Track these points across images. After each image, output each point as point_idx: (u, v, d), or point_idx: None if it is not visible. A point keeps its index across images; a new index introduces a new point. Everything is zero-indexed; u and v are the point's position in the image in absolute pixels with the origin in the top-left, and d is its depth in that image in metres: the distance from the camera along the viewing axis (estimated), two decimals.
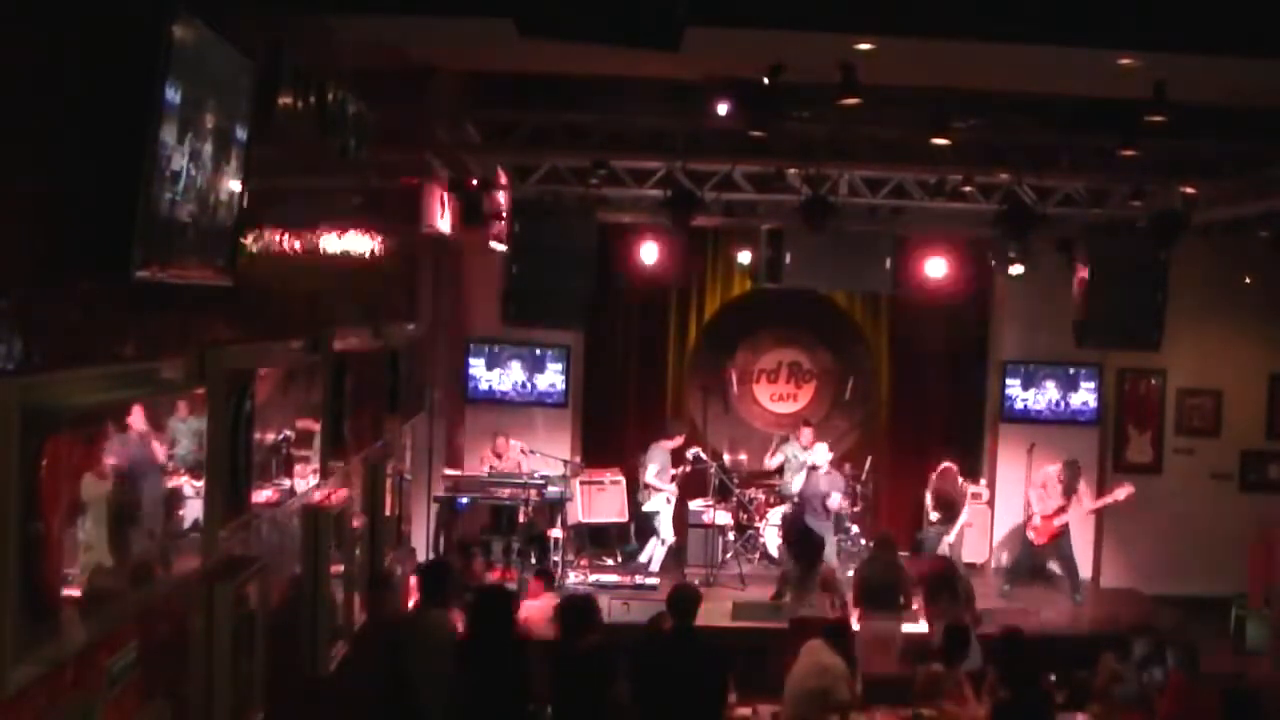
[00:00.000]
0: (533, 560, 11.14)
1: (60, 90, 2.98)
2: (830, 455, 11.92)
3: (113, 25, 3.17)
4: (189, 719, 3.82)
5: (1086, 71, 6.86)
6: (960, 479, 12.43)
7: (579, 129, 10.00)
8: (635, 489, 12.49)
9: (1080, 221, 11.01)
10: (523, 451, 12.13)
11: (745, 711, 7.76)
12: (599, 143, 9.97)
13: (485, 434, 12.41)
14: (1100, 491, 12.41)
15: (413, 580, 7.19)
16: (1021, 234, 10.52)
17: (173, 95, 3.24)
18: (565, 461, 12.32)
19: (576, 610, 6.83)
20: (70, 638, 2.89)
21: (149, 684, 3.47)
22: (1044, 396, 13.10)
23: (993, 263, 12.16)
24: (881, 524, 12.33)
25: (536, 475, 11.59)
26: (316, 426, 5.41)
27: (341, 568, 5.82)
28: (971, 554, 12.49)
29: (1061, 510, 11.93)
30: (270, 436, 4.66)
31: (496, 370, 12.93)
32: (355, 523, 6.22)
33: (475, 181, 9.94)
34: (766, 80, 6.93)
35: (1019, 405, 13.13)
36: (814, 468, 11.75)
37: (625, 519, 12.70)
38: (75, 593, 2.90)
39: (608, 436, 13.47)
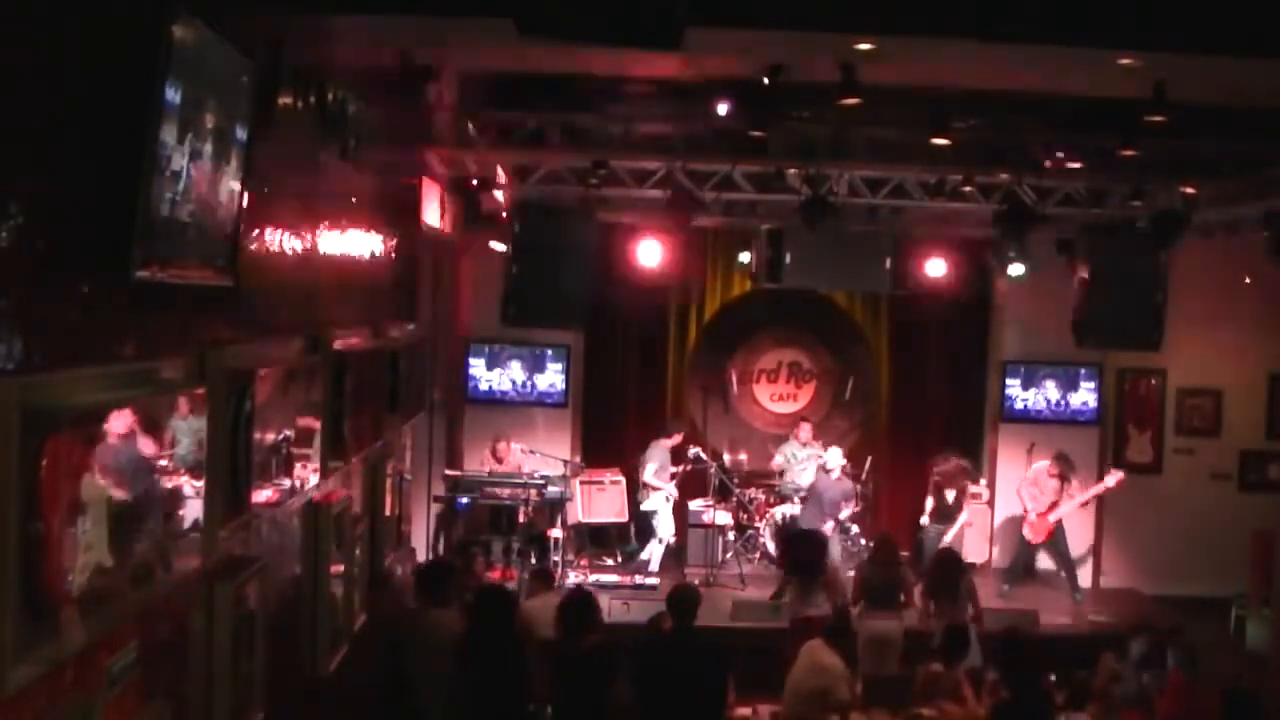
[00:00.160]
0: (533, 560, 11.13)
1: (60, 90, 2.98)
2: (844, 461, 11.87)
3: (113, 25, 3.17)
4: (189, 719, 3.82)
5: (1086, 71, 6.87)
6: (965, 479, 12.40)
7: (579, 129, 10.00)
8: (635, 489, 12.49)
9: (1080, 221, 11.02)
10: (524, 452, 12.13)
11: (745, 711, 7.76)
12: (599, 143, 9.98)
13: (485, 434, 12.41)
14: (1091, 483, 12.38)
15: (412, 580, 7.19)
16: (1021, 234, 10.53)
17: (173, 95, 3.24)
18: (565, 461, 12.32)
19: (577, 609, 6.83)
20: (70, 638, 2.89)
21: (149, 684, 3.47)
22: (1044, 396, 13.10)
23: (993, 263, 12.18)
24: (881, 524, 12.33)
25: (536, 475, 11.59)
26: (316, 426, 5.41)
27: (341, 568, 5.82)
28: (971, 554, 12.48)
29: (1055, 505, 11.94)
30: (270, 436, 4.66)
31: (496, 370, 12.93)
32: (355, 523, 6.22)
33: (475, 181, 9.94)
34: (766, 80, 6.93)
35: (1019, 405, 13.13)
36: (827, 470, 11.72)
37: (625, 519, 12.70)
38: (75, 593, 2.90)
39: (608, 436, 13.47)
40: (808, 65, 6.80)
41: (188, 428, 3.72)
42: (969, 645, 7.93)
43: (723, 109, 7.83)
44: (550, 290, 10.21)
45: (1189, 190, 10.28)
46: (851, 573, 10.06)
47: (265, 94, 4.26)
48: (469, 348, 12.79)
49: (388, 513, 7.27)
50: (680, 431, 12.47)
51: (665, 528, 12.24)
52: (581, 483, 12.56)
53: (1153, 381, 13.14)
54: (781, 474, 12.66)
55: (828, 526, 11.28)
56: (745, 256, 12.29)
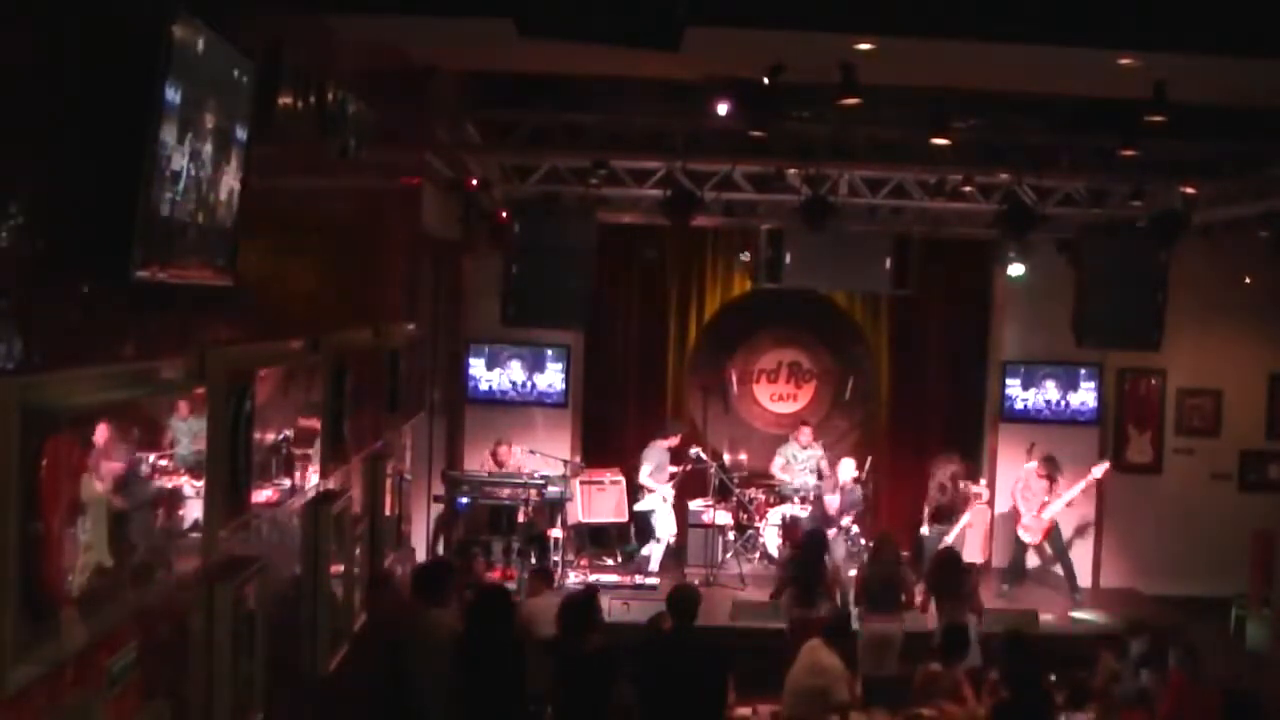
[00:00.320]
0: (533, 560, 11.13)
1: (60, 90, 2.98)
2: (856, 473, 11.84)
3: (113, 25, 3.17)
4: (189, 719, 3.82)
5: (1086, 71, 6.86)
6: (963, 480, 12.40)
7: (579, 129, 10.00)
8: (635, 489, 12.50)
9: (1080, 221, 11.02)
10: (525, 453, 12.12)
11: (745, 711, 7.76)
12: (599, 143, 9.97)
13: (485, 434, 12.41)
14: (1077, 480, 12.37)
15: (411, 580, 7.19)
16: (1021, 234, 10.52)
17: (173, 95, 3.24)
18: (565, 461, 12.32)
19: (578, 610, 6.83)
20: (70, 638, 2.89)
21: (149, 684, 3.47)
22: (1044, 396, 13.09)
23: (993, 263, 12.19)
24: (881, 524, 12.32)
25: (536, 475, 11.59)
26: (316, 426, 5.41)
27: (341, 567, 5.82)
28: (971, 554, 12.47)
29: (1046, 505, 11.96)
30: (270, 436, 4.67)
31: (496, 370, 12.93)
32: (355, 523, 6.22)
33: (475, 181, 9.94)
34: (766, 80, 6.92)
35: (1019, 405, 13.12)
36: (839, 485, 11.70)
37: (625, 519, 12.69)
38: (75, 593, 2.90)
39: (608, 436, 13.47)
40: (808, 65, 6.79)
41: (188, 428, 3.72)
42: (968, 645, 7.93)
43: (723, 109, 7.81)
44: (550, 290, 10.20)
45: (1189, 190, 10.27)
46: (853, 572, 10.08)
47: (265, 94, 4.26)
48: (469, 348, 12.79)
49: (388, 513, 7.27)
50: (679, 432, 12.47)
51: (664, 528, 12.24)
52: (581, 483, 12.55)
53: (1153, 381, 13.13)
54: (780, 475, 12.66)
55: (830, 532, 11.29)
56: (745, 256, 12.29)
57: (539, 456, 12.10)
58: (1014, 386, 13.12)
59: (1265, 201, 9.80)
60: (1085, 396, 13.10)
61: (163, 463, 3.49)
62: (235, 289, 4.03)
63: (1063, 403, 13.10)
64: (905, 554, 10.68)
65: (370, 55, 6.60)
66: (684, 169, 9.90)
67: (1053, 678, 8.04)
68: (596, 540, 12.86)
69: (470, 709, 6.31)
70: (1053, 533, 12.04)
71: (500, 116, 9.90)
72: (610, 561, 12.61)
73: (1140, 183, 10.11)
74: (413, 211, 8.66)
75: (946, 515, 12.11)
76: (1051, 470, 11.99)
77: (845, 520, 11.82)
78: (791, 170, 9.99)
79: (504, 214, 10.58)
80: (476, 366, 12.89)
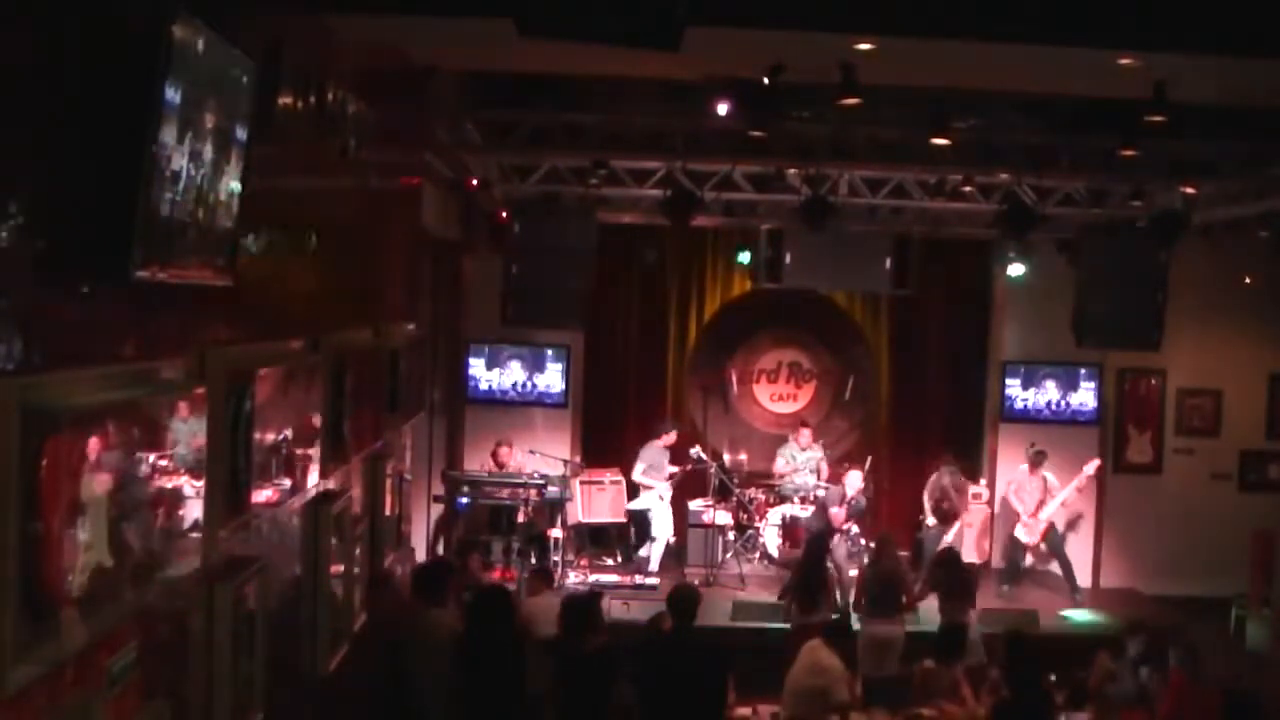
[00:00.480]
0: (532, 560, 11.13)
1: (60, 90, 2.98)
2: (861, 484, 11.82)
3: (113, 25, 3.17)
4: (189, 719, 3.82)
5: (1086, 71, 6.86)
6: (960, 480, 12.40)
7: (579, 129, 10.00)
8: (632, 488, 12.50)
9: (1080, 221, 11.02)
10: (526, 454, 12.11)
11: (745, 711, 7.76)
12: (599, 143, 9.97)
13: (485, 434, 12.40)
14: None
15: (411, 580, 7.19)
16: (1021, 234, 10.53)
17: (173, 95, 3.24)
18: (565, 461, 12.32)
19: (579, 611, 6.83)
20: (70, 638, 2.89)
21: (149, 684, 3.47)
22: (1044, 396, 13.09)
23: (993, 263, 12.18)
24: (881, 524, 12.32)
25: (536, 475, 11.59)
26: (317, 426, 5.41)
27: (341, 567, 5.82)
28: (971, 554, 12.48)
29: (1042, 504, 11.96)
30: (270, 436, 4.67)
31: (496, 370, 12.93)
32: (355, 523, 6.22)
33: (475, 181, 9.94)
34: (766, 80, 6.92)
35: (1019, 405, 13.12)
36: (844, 497, 11.70)
37: (625, 519, 12.69)
38: (75, 593, 2.90)
39: (608, 436, 13.46)
40: (808, 65, 6.79)
41: (187, 428, 3.72)
42: (965, 645, 7.94)
43: (723, 109, 7.81)
44: (550, 290, 10.21)
45: (1189, 190, 10.28)
46: (853, 573, 10.08)
47: (265, 94, 4.26)
48: (469, 348, 12.79)
49: (388, 513, 7.27)
50: (672, 430, 12.46)
51: (660, 527, 12.22)
52: (581, 483, 12.55)
53: (1153, 381, 13.13)
54: (781, 476, 12.65)
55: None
56: (745, 256, 12.29)
57: (539, 456, 12.10)
58: (1014, 386, 13.12)
59: (1265, 201, 9.79)
60: (1085, 396, 13.09)
61: (163, 463, 3.49)
62: (235, 289, 4.03)
63: (1063, 403, 13.10)
64: (905, 554, 10.69)
65: (370, 55, 6.60)
66: (684, 169, 9.91)
67: (1053, 678, 8.04)
68: (596, 540, 12.86)
69: (470, 709, 6.31)
70: (1050, 533, 12.05)
71: (500, 116, 9.90)
72: (610, 561, 12.61)
73: (1140, 183, 10.11)
74: (413, 211, 8.66)
75: (946, 517, 12.11)
76: (1037, 459, 12.03)
77: (845, 526, 11.80)
78: (791, 170, 9.99)
79: (504, 214, 10.58)
80: (476, 366, 12.89)
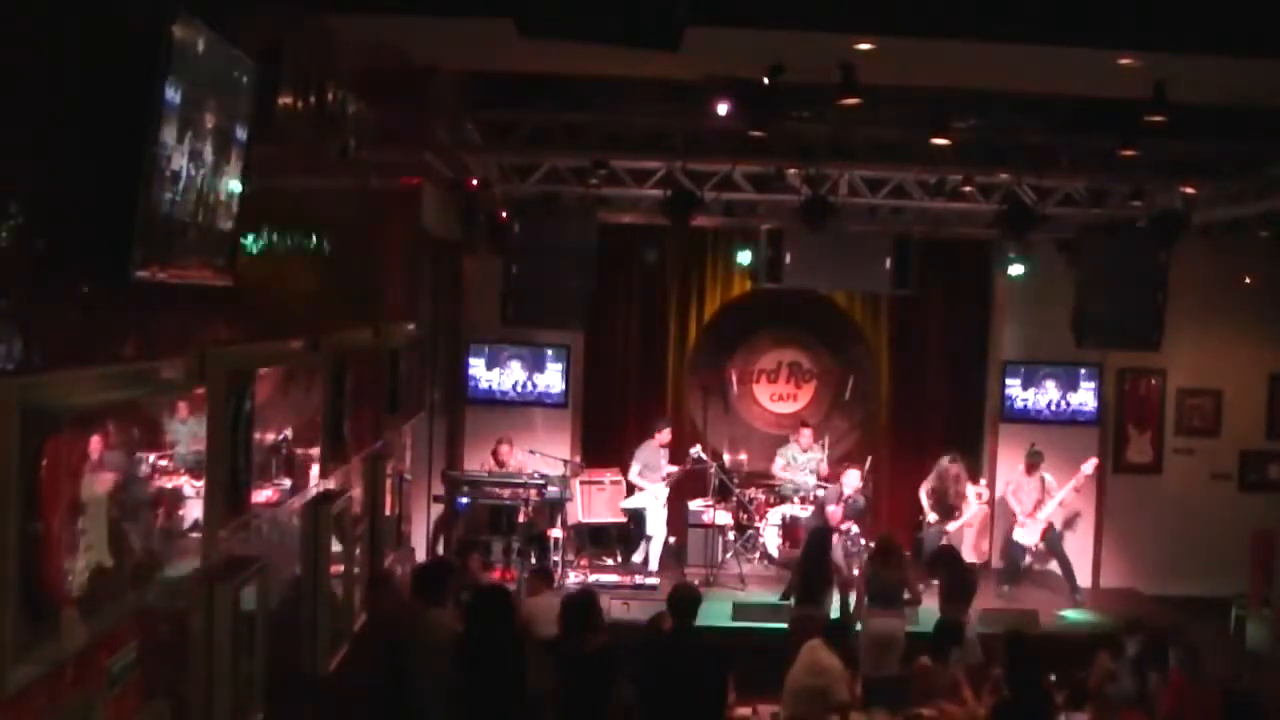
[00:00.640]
0: (532, 560, 11.13)
1: (60, 90, 2.98)
2: (859, 484, 11.82)
3: (113, 25, 3.17)
4: (189, 719, 3.82)
5: (1086, 71, 6.86)
6: (962, 478, 12.38)
7: (579, 129, 10.00)
8: (628, 488, 12.50)
9: (1080, 221, 11.01)
10: (526, 454, 12.11)
11: (745, 711, 7.76)
12: (599, 143, 9.97)
13: (485, 434, 12.40)
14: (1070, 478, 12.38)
15: (411, 580, 7.19)
16: (1021, 234, 10.53)
17: (173, 95, 3.24)
18: (565, 461, 12.32)
19: (579, 610, 6.83)
20: (70, 638, 2.89)
21: (149, 684, 3.47)
22: (1044, 396, 13.08)
23: (993, 263, 12.17)
24: (881, 524, 12.32)
25: (536, 475, 11.59)
26: (316, 426, 5.41)
27: (341, 567, 5.82)
28: (971, 554, 12.48)
29: (1040, 504, 11.97)
30: (270, 436, 4.67)
31: (496, 370, 12.92)
32: (355, 523, 6.22)
33: (475, 181, 9.94)
34: (766, 80, 6.92)
35: (1019, 405, 13.11)
36: (841, 495, 11.70)
37: (625, 519, 12.69)
38: (75, 593, 2.90)
39: (608, 436, 13.45)
40: (808, 65, 6.79)
41: (187, 428, 3.72)
42: (961, 641, 7.94)
43: (723, 109, 7.81)
44: (550, 290, 10.21)
45: (1189, 190, 10.28)
46: (855, 572, 10.08)
47: (265, 94, 4.26)
48: (469, 348, 12.79)
49: (388, 513, 7.28)
50: (666, 427, 12.45)
51: (655, 526, 12.21)
52: (581, 483, 12.55)
53: (1153, 381, 13.13)
54: (779, 481, 12.66)
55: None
56: (745, 256, 12.30)
57: (539, 456, 12.10)
58: (1014, 386, 13.11)
59: (1265, 201, 9.80)
60: (1085, 397, 13.09)
61: (163, 463, 3.49)
62: (235, 289, 4.03)
63: (1063, 403, 13.09)
64: (906, 553, 10.68)
65: (370, 55, 6.60)
66: (684, 169, 9.91)
67: (1053, 678, 8.04)
68: (596, 540, 12.86)
69: (470, 709, 6.30)
70: (1049, 533, 12.05)
71: (500, 116, 9.90)
72: (610, 561, 12.60)
73: (1140, 183, 10.12)
74: (413, 211, 8.66)
75: (947, 514, 12.11)
76: (1034, 460, 12.03)
77: (844, 526, 11.80)
78: (791, 170, 9.99)
79: (504, 214, 10.58)
80: (476, 366, 12.89)
